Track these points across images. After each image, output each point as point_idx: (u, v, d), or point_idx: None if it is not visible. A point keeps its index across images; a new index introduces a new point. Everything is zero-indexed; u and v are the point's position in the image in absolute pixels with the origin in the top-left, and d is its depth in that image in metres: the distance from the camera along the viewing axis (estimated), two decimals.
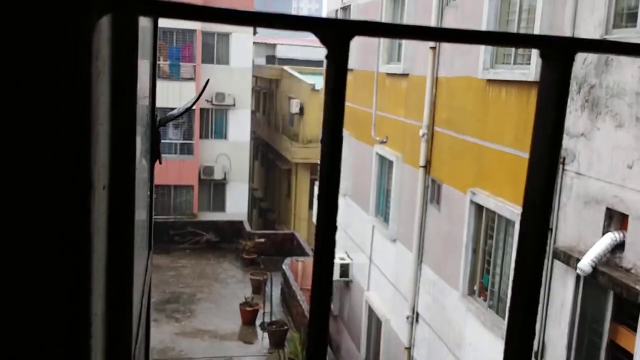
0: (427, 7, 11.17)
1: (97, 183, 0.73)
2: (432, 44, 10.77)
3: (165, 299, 19.03)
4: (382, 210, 13.76)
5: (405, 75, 12.42)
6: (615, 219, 6.44)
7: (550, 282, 7.38)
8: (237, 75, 27.07)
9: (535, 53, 7.28)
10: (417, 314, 11.65)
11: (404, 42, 12.18)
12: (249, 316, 17.75)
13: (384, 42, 13.47)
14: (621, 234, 6.28)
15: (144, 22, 1.97)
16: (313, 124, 26.39)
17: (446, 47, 10.57)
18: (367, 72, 14.36)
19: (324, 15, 24.78)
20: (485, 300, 9.33)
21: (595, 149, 6.72)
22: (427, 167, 11.24)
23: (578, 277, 6.86)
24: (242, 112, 27.63)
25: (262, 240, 23.55)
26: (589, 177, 6.78)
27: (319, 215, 0.55)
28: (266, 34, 36.90)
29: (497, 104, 8.92)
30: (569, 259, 6.86)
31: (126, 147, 1.22)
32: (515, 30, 8.62)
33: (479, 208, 9.43)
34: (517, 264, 0.63)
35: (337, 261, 15.39)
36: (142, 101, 1.94)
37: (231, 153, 27.44)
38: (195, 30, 25.98)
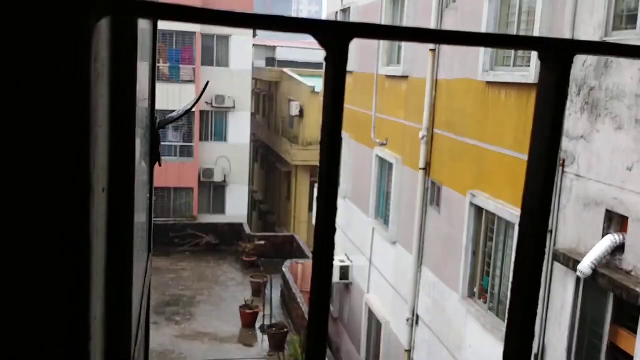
0: (427, 9, 11.18)
1: (97, 185, 0.73)
2: (431, 46, 10.77)
3: (165, 302, 19.01)
4: (382, 213, 13.76)
5: (405, 77, 12.42)
6: (615, 221, 6.44)
7: (550, 284, 7.37)
8: (236, 78, 27.07)
9: (535, 55, 7.28)
10: (417, 316, 11.64)
11: (404, 44, 12.19)
12: (248, 319, 17.73)
13: (383, 44, 13.47)
14: (621, 236, 6.28)
15: (144, 25, 1.97)
16: (313, 126, 26.40)
17: (446, 50, 10.58)
18: (366, 74, 14.37)
19: (323, 17, 24.81)
20: (485, 302, 9.32)
21: (595, 151, 6.72)
22: (427, 169, 11.24)
23: (578, 279, 6.85)
24: (242, 114, 27.63)
25: (262, 242, 23.52)
26: (589, 179, 6.78)
27: (318, 217, 0.55)
28: (266, 37, 36.95)
29: (496, 106, 8.93)
30: (569, 261, 6.85)
31: (126, 149, 1.22)
32: (515, 32, 8.62)
33: (478, 210, 9.43)
34: (517, 265, 0.63)
35: (337, 263, 15.37)
36: (142, 103, 1.94)
37: (231, 155, 27.44)
38: (194, 33, 25.99)
